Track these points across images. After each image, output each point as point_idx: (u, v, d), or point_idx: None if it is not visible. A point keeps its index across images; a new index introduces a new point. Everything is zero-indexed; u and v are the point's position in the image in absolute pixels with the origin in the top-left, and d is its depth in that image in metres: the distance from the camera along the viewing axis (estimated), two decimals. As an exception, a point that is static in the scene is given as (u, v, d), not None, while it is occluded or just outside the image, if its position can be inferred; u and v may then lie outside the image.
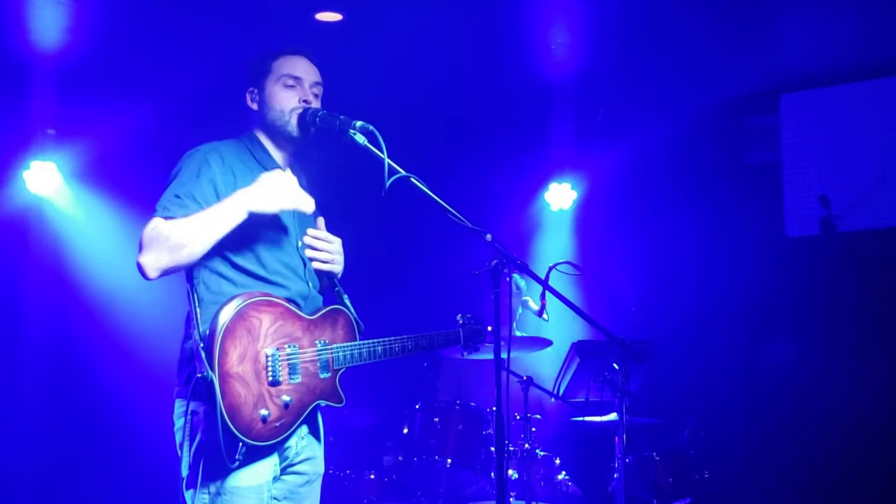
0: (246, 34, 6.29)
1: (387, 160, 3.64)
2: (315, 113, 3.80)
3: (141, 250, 3.49)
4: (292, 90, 3.84)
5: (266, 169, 3.78)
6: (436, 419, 6.24)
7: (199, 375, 3.42)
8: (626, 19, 6.21)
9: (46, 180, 7.25)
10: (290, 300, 3.69)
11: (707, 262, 7.65)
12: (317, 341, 3.72)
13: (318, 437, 3.87)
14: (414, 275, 7.99)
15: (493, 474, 6.03)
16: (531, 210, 8.37)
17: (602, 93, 7.39)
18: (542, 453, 6.22)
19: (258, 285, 3.69)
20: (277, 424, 3.56)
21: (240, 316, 3.49)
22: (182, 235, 3.49)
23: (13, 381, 7.24)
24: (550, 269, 5.40)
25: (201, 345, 3.46)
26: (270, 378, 3.54)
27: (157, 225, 3.50)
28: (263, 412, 3.51)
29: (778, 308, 7.38)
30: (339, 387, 3.79)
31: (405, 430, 6.40)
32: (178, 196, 3.59)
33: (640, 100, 7.50)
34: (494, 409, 3.75)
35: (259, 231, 3.72)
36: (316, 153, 4.08)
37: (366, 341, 3.88)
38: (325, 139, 3.87)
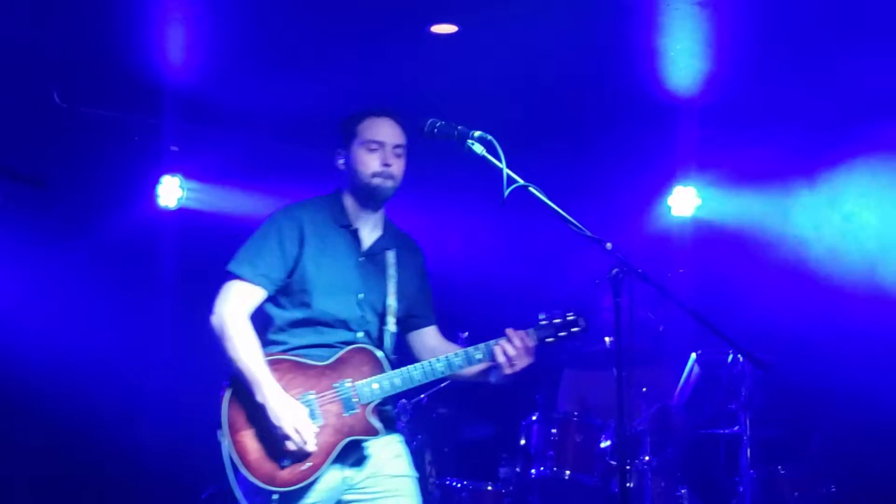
0: (362, 49, 6.35)
1: (505, 170, 3.67)
2: (433, 123, 3.89)
3: (214, 310, 3.90)
4: (375, 153, 4.03)
5: (340, 227, 4.06)
6: (553, 430, 6.23)
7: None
8: (753, 26, 6.07)
9: (174, 194, 7.51)
10: (303, 347, 3.93)
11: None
12: (334, 384, 3.89)
13: (368, 463, 3.96)
14: (532, 283, 7.94)
15: (613, 487, 5.98)
16: (651, 216, 8.21)
17: (727, 99, 7.19)
18: (662, 466, 6.13)
19: (302, 331, 3.95)
20: (304, 467, 3.78)
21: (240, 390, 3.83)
22: (232, 349, 3.84)
23: (137, 395, 7.38)
24: (670, 277, 5.34)
25: None
26: None
27: (235, 298, 3.91)
28: (285, 461, 3.77)
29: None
30: (374, 419, 3.91)
31: (522, 442, 6.39)
32: (250, 257, 3.95)
33: (769, 105, 7.29)
34: (613, 420, 3.71)
35: (318, 279, 3.96)
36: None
37: (391, 372, 3.96)
38: (444, 149, 3.91)
